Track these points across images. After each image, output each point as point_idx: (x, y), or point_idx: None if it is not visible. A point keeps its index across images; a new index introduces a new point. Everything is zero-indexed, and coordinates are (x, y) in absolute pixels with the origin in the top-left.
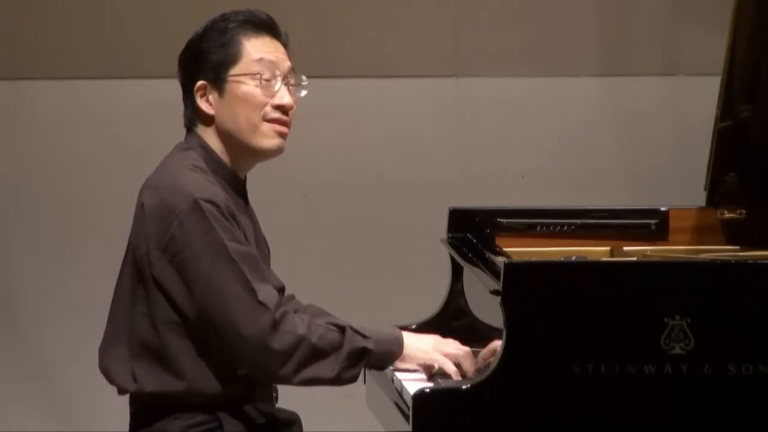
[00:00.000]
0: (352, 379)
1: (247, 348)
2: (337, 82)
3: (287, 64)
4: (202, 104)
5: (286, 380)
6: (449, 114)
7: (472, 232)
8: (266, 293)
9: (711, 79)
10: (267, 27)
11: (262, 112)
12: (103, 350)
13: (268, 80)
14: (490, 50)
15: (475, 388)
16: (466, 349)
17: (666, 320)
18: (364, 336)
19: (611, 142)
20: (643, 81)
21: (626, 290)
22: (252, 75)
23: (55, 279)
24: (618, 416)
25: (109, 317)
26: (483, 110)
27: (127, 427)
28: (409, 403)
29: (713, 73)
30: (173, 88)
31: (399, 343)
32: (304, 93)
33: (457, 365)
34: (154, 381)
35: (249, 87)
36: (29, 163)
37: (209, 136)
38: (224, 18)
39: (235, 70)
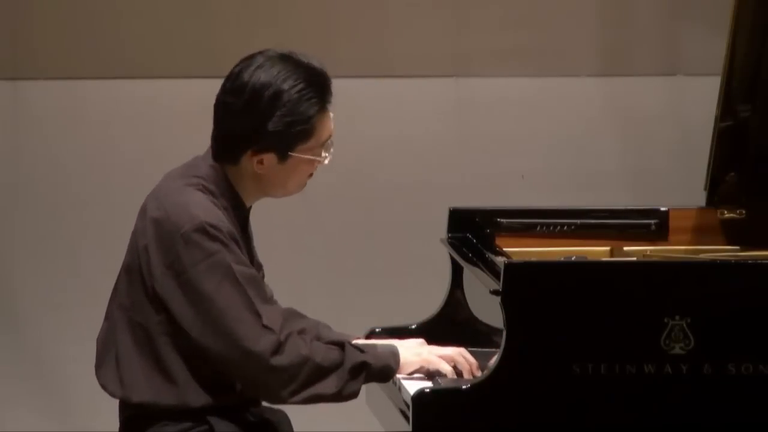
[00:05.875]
0: (353, 395)
1: (250, 370)
2: (337, 82)
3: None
4: (254, 165)
5: (289, 400)
6: (449, 114)
7: (472, 232)
8: (270, 316)
9: (711, 79)
10: (330, 97)
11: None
12: (99, 354)
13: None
14: (490, 50)
15: (475, 388)
16: (460, 348)
17: (666, 320)
18: (362, 351)
19: (611, 142)
20: (643, 81)
21: (626, 290)
22: (318, 158)
23: (55, 279)
24: (618, 416)
25: (105, 317)
26: (483, 110)
27: None
28: (409, 403)
29: (713, 73)
30: (173, 88)
31: (395, 357)
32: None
33: (453, 366)
34: (144, 390)
35: (310, 163)
36: (28, 163)
37: (234, 171)
38: (297, 90)
39: (302, 148)
